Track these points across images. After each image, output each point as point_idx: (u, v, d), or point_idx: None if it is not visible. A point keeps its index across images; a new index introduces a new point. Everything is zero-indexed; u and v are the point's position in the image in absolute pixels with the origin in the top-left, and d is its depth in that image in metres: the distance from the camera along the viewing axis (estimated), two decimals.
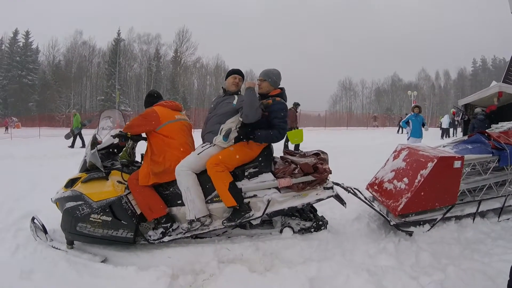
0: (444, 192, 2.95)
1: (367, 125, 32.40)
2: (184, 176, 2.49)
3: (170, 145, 2.64)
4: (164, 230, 2.56)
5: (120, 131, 2.67)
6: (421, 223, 2.98)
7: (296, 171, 2.61)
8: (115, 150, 2.97)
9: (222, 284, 2.12)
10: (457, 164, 2.91)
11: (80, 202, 2.49)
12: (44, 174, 5.52)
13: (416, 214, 2.98)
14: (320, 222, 2.83)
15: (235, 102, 2.67)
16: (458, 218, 3.11)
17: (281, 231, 2.77)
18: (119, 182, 2.61)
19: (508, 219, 3.22)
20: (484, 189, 3.23)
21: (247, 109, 2.50)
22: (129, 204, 2.57)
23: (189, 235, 2.58)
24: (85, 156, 2.77)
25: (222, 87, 2.88)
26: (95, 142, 2.74)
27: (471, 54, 54.11)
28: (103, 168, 2.61)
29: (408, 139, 6.96)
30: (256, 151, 2.65)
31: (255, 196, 2.62)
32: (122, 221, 2.50)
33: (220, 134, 2.59)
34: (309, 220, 2.86)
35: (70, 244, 2.57)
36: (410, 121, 6.87)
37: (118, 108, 31.58)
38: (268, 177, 2.65)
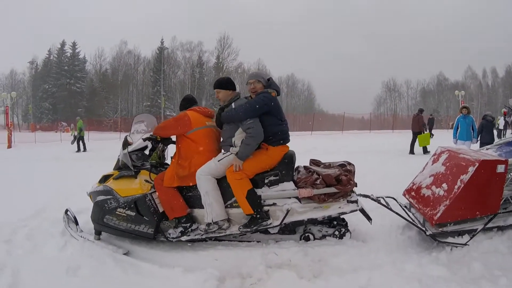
0: (485, 199, 2.66)
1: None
2: (204, 181, 2.60)
3: (197, 151, 2.76)
4: (183, 230, 2.69)
5: (150, 134, 2.89)
6: (459, 234, 2.69)
7: (318, 182, 2.57)
8: (149, 152, 3.20)
9: None
10: (500, 168, 2.59)
11: (109, 197, 2.75)
12: (91, 175, 6.00)
13: (454, 224, 2.71)
14: (343, 229, 2.74)
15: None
16: (501, 229, 2.79)
17: (301, 238, 2.74)
18: (146, 181, 2.82)
19: None
20: None
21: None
22: (153, 202, 2.75)
23: (206, 236, 2.69)
24: (119, 156, 3.04)
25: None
26: (126, 143, 2.97)
27: None
28: (132, 167, 2.85)
29: (456, 142, 6.41)
30: (276, 158, 2.67)
31: (274, 204, 2.63)
32: (145, 217, 2.68)
33: (235, 145, 2.65)
34: (332, 226, 2.78)
35: (98, 234, 2.83)
36: (459, 123, 6.37)
37: (164, 113, 33.67)
38: (289, 186, 2.65)
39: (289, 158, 2.70)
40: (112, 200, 2.71)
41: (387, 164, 7.35)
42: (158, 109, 36.12)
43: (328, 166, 2.83)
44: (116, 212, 2.68)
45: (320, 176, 2.58)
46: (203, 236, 2.68)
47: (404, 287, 2.07)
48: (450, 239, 2.64)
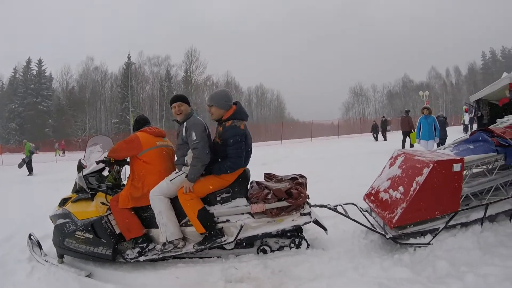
0: (444, 199, 2.68)
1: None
2: (157, 201, 2.63)
3: (149, 171, 2.80)
4: (140, 250, 2.72)
5: (104, 157, 2.89)
6: (422, 234, 2.69)
7: (269, 196, 2.61)
8: (105, 174, 3.20)
9: None
10: (456, 167, 2.63)
11: (67, 220, 2.78)
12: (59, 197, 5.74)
13: (414, 225, 2.73)
14: (298, 240, 2.73)
15: (184, 133, 2.71)
16: (464, 225, 2.82)
17: (258, 251, 2.76)
18: (103, 203, 2.86)
19: None
20: (491, 191, 2.88)
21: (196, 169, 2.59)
22: (109, 224, 2.80)
23: (162, 256, 2.70)
24: (76, 178, 3.02)
25: (173, 120, 2.98)
26: (80, 166, 3.02)
27: (480, 47, 53.16)
28: (88, 190, 2.90)
29: (419, 142, 6.69)
30: (229, 179, 2.68)
31: (228, 221, 2.68)
32: (102, 239, 2.72)
33: (187, 164, 2.67)
34: (288, 237, 2.78)
35: (61, 257, 2.83)
36: (421, 123, 6.62)
37: (133, 130, 32.16)
38: (241, 202, 2.71)
39: (243, 176, 2.74)
40: (71, 223, 2.74)
41: (355, 168, 7.22)
42: (127, 125, 35.34)
43: (280, 180, 2.87)
44: (75, 235, 2.70)
45: (271, 191, 2.62)
46: (160, 256, 2.68)
47: None
48: (412, 240, 2.65)
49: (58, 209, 2.88)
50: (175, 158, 2.86)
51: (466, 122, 17.42)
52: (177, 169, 2.77)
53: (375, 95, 53.36)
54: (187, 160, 2.68)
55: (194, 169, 2.57)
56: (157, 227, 2.68)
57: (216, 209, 2.68)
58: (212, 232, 2.59)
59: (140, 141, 2.80)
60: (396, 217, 2.59)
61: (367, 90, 52.97)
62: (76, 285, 2.46)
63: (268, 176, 3.03)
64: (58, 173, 10.91)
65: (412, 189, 2.63)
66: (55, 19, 63.62)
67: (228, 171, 2.60)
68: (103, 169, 3.11)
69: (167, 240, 2.60)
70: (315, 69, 72.10)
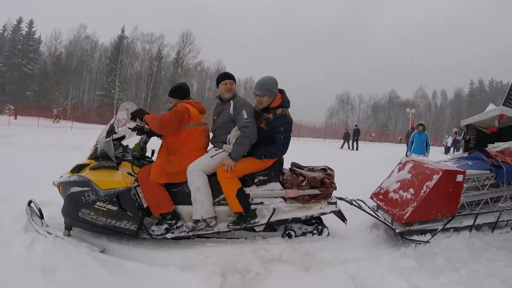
0: (446, 203, 2.89)
1: (364, 139, 31.88)
2: (196, 176, 2.36)
3: (189, 147, 2.49)
4: (168, 227, 2.40)
5: (137, 124, 2.50)
6: (421, 233, 2.90)
7: (303, 184, 2.55)
8: (125, 143, 2.77)
9: (272, 282, 2.06)
10: (459, 177, 2.87)
11: (86, 188, 2.31)
12: (49, 164, 5.13)
13: (419, 224, 2.89)
14: (321, 227, 2.73)
15: (231, 111, 2.47)
16: (456, 229, 3.05)
17: (283, 235, 2.66)
18: (129, 174, 2.44)
19: (501, 233, 3.22)
20: (481, 204, 3.20)
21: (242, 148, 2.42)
22: (137, 197, 2.41)
23: (192, 234, 2.44)
24: (96, 144, 2.59)
25: (217, 97, 2.65)
26: (111, 130, 2.56)
27: (469, 76, 53.04)
28: (115, 158, 2.44)
29: (410, 155, 6.74)
30: (268, 163, 2.53)
31: (261, 203, 2.52)
32: (128, 212, 2.33)
33: (229, 143, 2.47)
34: (310, 224, 2.76)
35: (68, 230, 2.36)
36: (414, 138, 6.72)
37: (117, 104, 30.88)
38: (276, 186, 2.57)
39: (280, 162, 2.61)
40: (90, 192, 2.30)
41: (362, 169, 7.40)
42: (111, 99, 32.45)
43: (312, 169, 2.81)
44: (95, 206, 2.28)
45: (306, 178, 2.56)
46: (189, 234, 2.42)
47: (387, 275, 2.19)
48: (415, 237, 2.81)
49: (72, 176, 2.41)
50: (212, 136, 2.59)
51: (449, 144, 18.49)
52: (215, 147, 2.52)
53: (360, 105, 52.01)
54: (229, 139, 2.46)
55: (241, 147, 2.37)
56: (185, 204, 2.44)
57: (252, 191, 2.50)
58: (247, 213, 2.42)
59: (190, 114, 2.48)
60: (407, 214, 2.75)
61: (354, 99, 51.61)
62: (92, 262, 2.01)
63: (295, 165, 2.92)
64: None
65: (422, 191, 2.81)
66: None
67: (273, 157, 2.48)
68: (123, 137, 2.69)
69: (202, 218, 2.35)
70: (303, 72, 70.90)
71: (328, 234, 2.73)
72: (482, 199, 3.18)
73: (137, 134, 2.55)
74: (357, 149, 16.20)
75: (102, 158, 2.50)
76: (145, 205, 2.41)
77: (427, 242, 2.80)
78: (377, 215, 3.03)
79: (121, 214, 2.32)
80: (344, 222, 2.75)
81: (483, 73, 51.03)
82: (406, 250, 2.70)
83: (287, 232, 2.67)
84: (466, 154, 3.72)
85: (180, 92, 2.68)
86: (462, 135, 6.55)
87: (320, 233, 2.72)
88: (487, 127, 5.69)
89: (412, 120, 24.12)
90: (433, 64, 62.44)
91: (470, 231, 3.08)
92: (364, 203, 3.24)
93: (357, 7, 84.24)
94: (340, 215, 2.72)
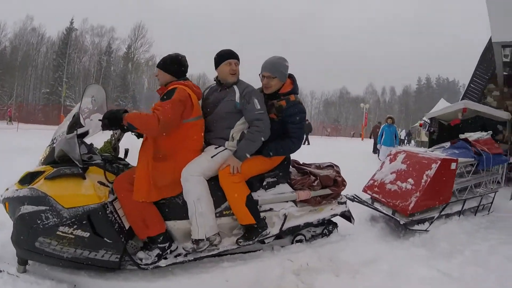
0: (443, 191, 2.84)
1: (321, 133, 31.83)
2: (195, 183, 1.74)
3: (187, 148, 1.83)
4: (160, 252, 1.74)
5: (113, 132, 1.89)
6: (418, 222, 2.80)
7: (315, 183, 2.13)
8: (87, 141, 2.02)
9: None
10: (453, 165, 2.85)
11: (43, 207, 1.56)
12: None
13: (420, 213, 2.76)
14: (331, 226, 2.35)
15: (237, 99, 1.90)
16: (448, 216, 3.01)
17: (292, 241, 2.21)
18: (101, 183, 1.72)
19: (483, 215, 3.34)
20: (467, 190, 3.25)
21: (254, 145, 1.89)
22: (116, 215, 1.69)
23: (192, 258, 1.81)
24: (53, 143, 1.81)
25: (215, 79, 2.04)
26: (76, 123, 1.73)
27: (417, 73, 54.63)
28: (81, 162, 1.68)
29: (380, 147, 6.95)
30: (277, 161, 2.02)
31: (271, 209, 2.01)
32: (106, 239, 1.63)
33: (232, 139, 1.92)
34: (317, 225, 2.34)
35: (23, 264, 1.64)
36: (384, 131, 6.79)
37: (64, 103, 27.58)
38: (286, 188, 2.07)
39: (288, 160, 2.13)
40: (49, 213, 1.55)
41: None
42: (58, 97, 28.64)
43: (319, 166, 2.40)
44: (58, 233, 1.55)
45: (318, 177, 2.16)
46: (188, 258, 1.80)
47: (416, 267, 2.08)
48: (415, 227, 2.71)
49: (21, 189, 1.63)
50: (208, 131, 1.96)
51: (402, 137, 19.47)
52: (214, 144, 1.93)
53: (312, 102, 51.33)
54: (233, 134, 1.91)
55: (252, 145, 1.84)
56: (177, 218, 1.82)
57: (260, 196, 1.96)
58: (259, 223, 1.89)
59: (192, 103, 1.80)
60: (412, 205, 2.62)
61: (306, 96, 49.56)
62: None
63: (297, 162, 2.49)
64: None
65: (423, 181, 2.69)
66: None
67: (287, 153, 2.01)
68: (85, 133, 1.95)
69: (205, 237, 1.74)
70: (259, 67, 72.37)
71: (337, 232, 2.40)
72: (467, 185, 3.22)
73: (112, 130, 1.81)
74: (308, 143, 16.14)
75: (61, 162, 1.73)
76: (127, 225, 1.73)
77: (427, 230, 2.71)
78: (380, 209, 2.86)
79: (95, 241, 1.61)
80: (351, 222, 2.42)
81: (430, 70, 53.76)
82: (413, 239, 2.62)
83: (297, 238, 2.24)
84: (447, 145, 3.74)
85: (179, 68, 1.90)
86: (427, 128, 6.94)
87: (329, 234, 2.35)
88: (450, 119, 6.11)
89: (366, 114, 25.46)
90: (382, 61, 64.89)
91: (459, 215, 3.11)
92: (359, 198, 3.04)
93: (308, 4, 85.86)
94: (348, 214, 2.37)
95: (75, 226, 1.58)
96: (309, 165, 2.41)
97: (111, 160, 1.89)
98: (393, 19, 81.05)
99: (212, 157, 1.84)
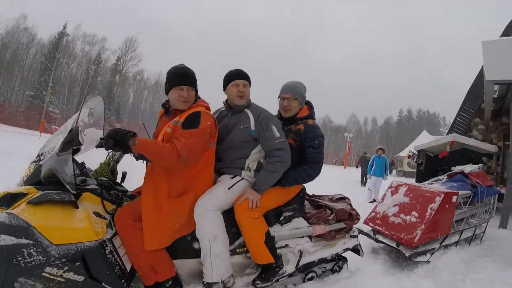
0: (444, 223, 2.82)
1: None
2: (212, 219, 1.51)
3: (207, 175, 1.62)
4: None
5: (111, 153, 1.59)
6: (419, 254, 2.75)
7: (331, 217, 2.00)
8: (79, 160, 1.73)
9: None
10: (454, 198, 2.86)
11: (25, 241, 1.23)
12: None
13: (423, 245, 2.71)
14: (341, 262, 2.19)
15: (252, 126, 1.71)
16: (446, 246, 3.00)
17: (304, 280, 2.02)
18: (97, 214, 1.42)
19: (476, 244, 3.43)
20: (464, 220, 3.25)
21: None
22: (116, 256, 1.41)
23: None
24: (39, 159, 1.49)
25: (224, 102, 1.87)
26: (74, 139, 1.43)
27: (398, 105, 56.07)
28: (74, 187, 1.37)
29: (370, 177, 6.97)
30: (294, 191, 1.85)
31: (286, 246, 1.82)
32: (104, 284, 1.35)
33: (249, 170, 1.72)
34: (328, 261, 2.17)
35: None
36: (374, 161, 6.83)
37: (47, 107, 26.24)
38: (301, 223, 1.90)
39: (304, 191, 1.96)
40: (33, 249, 1.23)
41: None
42: (41, 101, 27.16)
43: (332, 199, 2.28)
44: (44, 274, 1.24)
45: (333, 211, 2.02)
46: None
47: None
48: (418, 258, 2.67)
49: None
50: (220, 160, 1.75)
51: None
52: (228, 174, 1.73)
53: None
54: (248, 164, 1.71)
55: (272, 176, 1.65)
56: (185, 257, 1.59)
57: (276, 231, 1.76)
58: (276, 262, 1.68)
59: (216, 129, 1.60)
60: (417, 237, 2.57)
61: None
62: None
63: (308, 195, 2.29)
64: None
65: (427, 214, 2.65)
66: None
67: (305, 181, 1.84)
68: (77, 150, 1.62)
69: (221, 280, 1.51)
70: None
71: (347, 268, 2.24)
72: (464, 216, 3.22)
73: (114, 150, 1.52)
74: None
75: (47, 185, 1.40)
76: (128, 266, 1.46)
77: (428, 261, 2.66)
78: (384, 241, 2.80)
79: (91, 287, 1.33)
80: (361, 255, 2.27)
81: (411, 103, 56.28)
82: (417, 271, 2.58)
83: (308, 276, 2.05)
84: (443, 178, 3.80)
85: (196, 83, 1.61)
86: (415, 159, 7.12)
87: (340, 269, 2.19)
88: (438, 152, 6.33)
89: (349, 143, 25.89)
90: (366, 92, 68.35)
91: (456, 245, 3.12)
92: (361, 230, 2.93)
93: (294, 35, 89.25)
94: (358, 248, 2.23)
95: (66, 268, 1.28)
96: (321, 197, 2.26)
97: (109, 186, 1.60)
98: (376, 53, 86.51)
99: (229, 188, 1.63)
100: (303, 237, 1.88)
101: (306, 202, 2.11)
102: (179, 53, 62.24)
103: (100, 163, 1.72)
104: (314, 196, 2.27)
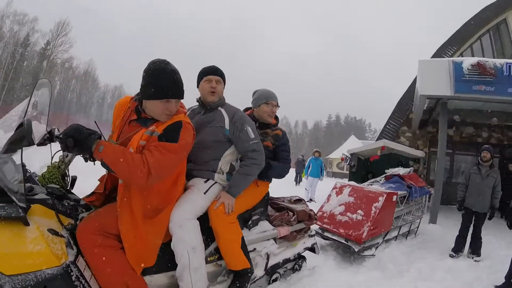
0: (386, 220, 3.21)
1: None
2: (191, 230, 1.42)
3: (181, 186, 1.52)
4: None
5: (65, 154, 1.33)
6: (367, 248, 3.14)
7: (293, 219, 2.11)
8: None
9: None
10: (394, 198, 3.30)
11: None
12: None
13: (369, 241, 3.07)
14: (300, 260, 2.33)
15: (226, 125, 1.66)
16: (387, 241, 3.42)
17: (269, 282, 2.08)
18: (52, 232, 1.19)
19: (412, 238, 3.97)
20: (401, 217, 3.74)
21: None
22: (83, 281, 1.23)
23: None
24: None
25: (197, 99, 1.79)
26: (23, 138, 1.13)
27: (328, 110, 62.07)
28: (24, 198, 1.13)
29: (307, 178, 7.45)
30: (264, 190, 1.91)
31: (254, 250, 1.84)
32: None
33: (222, 172, 1.68)
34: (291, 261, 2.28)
35: None
36: (311, 163, 7.30)
37: None
38: (267, 226, 1.95)
39: (268, 194, 2.04)
40: None
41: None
42: None
43: (291, 201, 2.40)
44: None
45: (295, 212, 2.14)
46: None
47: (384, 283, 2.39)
48: (365, 252, 3.04)
49: None
50: (191, 161, 1.64)
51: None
52: (200, 177, 1.65)
53: None
54: (221, 167, 1.67)
55: (247, 179, 1.64)
56: (155, 272, 1.45)
57: (246, 236, 1.74)
58: (251, 267, 1.67)
59: (192, 143, 1.45)
60: (365, 234, 2.89)
61: None
62: None
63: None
64: None
65: (372, 212, 3.01)
66: None
67: (284, 175, 2.01)
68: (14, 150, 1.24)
69: None
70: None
71: (306, 266, 2.39)
72: (401, 214, 3.71)
73: (73, 153, 1.31)
74: None
75: None
76: None
77: (373, 255, 3.02)
78: (334, 238, 3.10)
79: None
80: (317, 253, 2.45)
81: (340, 109, 61.14)
82: (366, 264, 2.90)
83: (273, 277, 2.11)
84: (381, 179, 4.28)
85: (176, 87, 1.40)
86: (348, 162, 7.90)
87: (300, 268, 2.31)
88: (369, 156, 7.14)
89: None
90: (297, 96, 72.10)
91: (395, 239, 3.58)
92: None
93: (226, 36, 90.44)
94: (314, 246, 2.40)
95: None
96: (280, 199, 2.37)
97: (62, 195, 1.35)
98: (308, 58, 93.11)
99: (204, 193, 1.58)
100: (269, 239, 1.94)
101: None
102: (113, 42, 58.29)
103: (48, 166, 1.45)
104: (273, 198, 2.35)
